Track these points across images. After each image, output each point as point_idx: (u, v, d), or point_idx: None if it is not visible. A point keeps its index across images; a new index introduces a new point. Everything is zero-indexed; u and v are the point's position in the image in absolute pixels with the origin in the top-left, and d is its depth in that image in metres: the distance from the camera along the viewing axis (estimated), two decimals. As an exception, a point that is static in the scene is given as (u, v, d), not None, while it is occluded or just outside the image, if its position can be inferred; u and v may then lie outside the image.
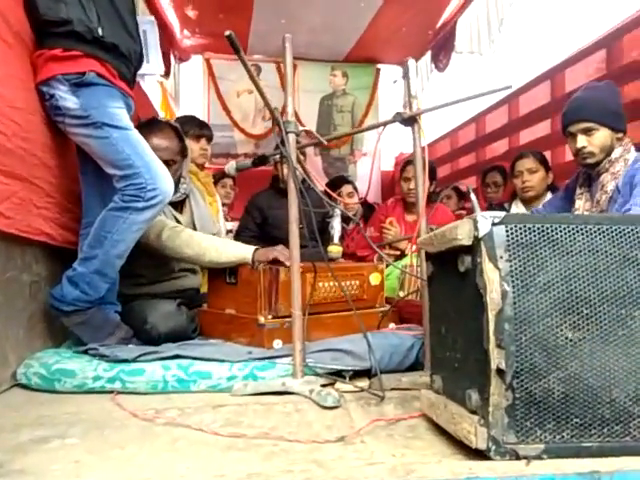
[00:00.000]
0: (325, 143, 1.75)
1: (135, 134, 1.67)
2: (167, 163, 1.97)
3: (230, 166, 2.04)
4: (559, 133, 2.15)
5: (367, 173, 5.61)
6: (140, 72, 1.97)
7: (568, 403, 0.98)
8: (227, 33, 1.29)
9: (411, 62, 1.65)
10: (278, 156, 1.64)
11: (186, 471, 0.96)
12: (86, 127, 1.62)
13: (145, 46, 2.07)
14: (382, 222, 3.11)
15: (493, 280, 0.98)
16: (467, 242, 1.03)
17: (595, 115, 1.93)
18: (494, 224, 1.01)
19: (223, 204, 3.75)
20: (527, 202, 2.82)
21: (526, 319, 0.98)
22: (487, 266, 0.99)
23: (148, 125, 2.03)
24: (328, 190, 1.77)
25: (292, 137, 1.55)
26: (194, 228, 2.16)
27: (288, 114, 1.55)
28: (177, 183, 2.06)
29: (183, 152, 2.11)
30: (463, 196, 3.74)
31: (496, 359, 0.96)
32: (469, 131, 4.57)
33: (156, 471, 0.96)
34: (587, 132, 1.94)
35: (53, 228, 1.70)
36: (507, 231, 1.01)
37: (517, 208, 2.87)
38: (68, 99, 1.61)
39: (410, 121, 1.61)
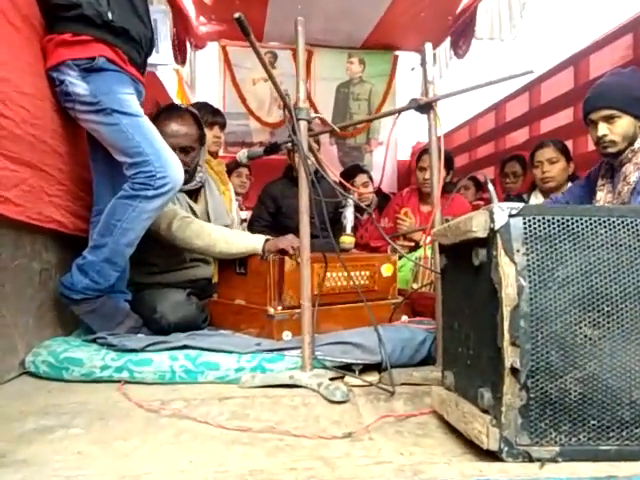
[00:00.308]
0: (338, 131, 1.71)
1: (145, 121, 1.65)
2: (185, 150, 1.98)
3: (242, 154, 2.01)
4: (581, 122, 2.07)
5: (383, 162, 5.54)
6: (150, 61, 1.94)
7: (585, 404, 0.93)
8: (236, 15, 1.25)
9: (428, 47, 1.59)
10: (290, 144, 1.60)
11: (188, 465, 0.94)
12: (96, 114, 1.60)
13: (155, 36, 2.04)
14: (397, 212, 3.06)
15: (509, 275, 0.94)
16: (482, 234, 0.99)
17: (617, 102, 1.86)
18: (511, 215, 0.97)
19: (237, 193, 3.73)
20: (547, 193, 2.74)
21: (543, 316, 0.94)
22: (503, 260, 0.95)
23: (168, 111, 2.02)
24: (341, 180, 1.73)
25: (303, 124, 1.51)
26: (208, 218, 2.14)
27: (300, 100, 1.51)
28: (194, 171, 2.05)
29: (202, 140, 2.09)
30: (481, 186, 3.66)
31: (510, 357, 0.92)
32: (488, 119, 4.47)
33: (157, 465, 0.94)
34: (609, 120, 1.87)
35: (65, 216, 1.69)
36: (525, 223, 0.96)
37: (536, 199, 2.79)
38: (78, 85, 1.59)
39: (426, 108, 1.55)
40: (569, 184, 2.71)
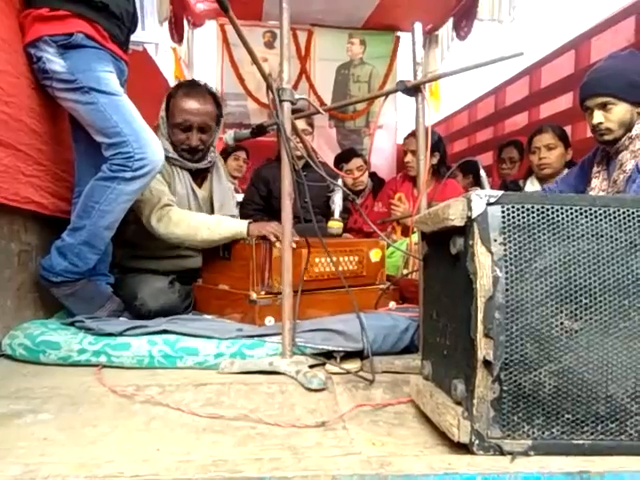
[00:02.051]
0: (323, 113, 1.67)
1: (124, 100, 1.60)
2: (203, 129, 1.96)
3: (228, 136, 1.96)
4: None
5: (382, 146, 5.47)
6: (137, 40, 1.89)
7: (560, 398, 0.91)
8: (214, -9, 1.21)
9: (417, 27, 1.54)
10: (276, 126, 1.56)
11: (154, 454, 0.93)
12: (73, 92, 1.56)
13: (141, 12, 1.99)
14: (390, 197, 3.02)
15: (484, 265, 0.91)
16: (459, 223, 0.96)
17: (612, 89, 1.79)
18: (489, 204, 0.94)
19: (234, 177, 3.69)
20: (543, 180, 2.69)
21: (519, 307, 0.91)
22: (479, 249, 0.92)
23: (187, 87, 1.99)
24: (328, 165, 1.70)
25: (287, 106, 1.47)
26: (211, 206, 2.10)
27: (283, 81, 1.47)
28: (206, 152, 2.02)
29: (218, 120, 2.06)
30: (475, 172, 3.60)
31: (483, 349, 0.90)
32: (488, 104, 4.39)
33: (123, 452, 0.93)
34: (604, 107, 1.81)
35: (44, 197, 1.66)
36: (503, 212, 0.93)
37: (532, 186, 2.75)
38: (55, 62, 1.54)
39: (413, 91, 1.51)
40: (566, 170, 2.66)
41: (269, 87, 1.46)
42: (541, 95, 3.57)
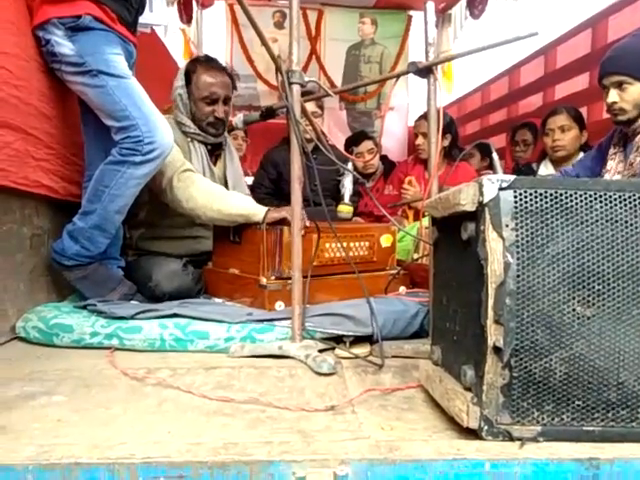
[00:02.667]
0: (332, 95, 1.65)
1: (133, 83, 1.59)
2: (226, 101, 2.01)
3: (238, 119, 1.96)
4: (597, 87, 1.97)
5: (393, 129, 5.41)
6: (144, 22, 1.87)
7: (570, 384, 0.91)
8: (222, -28, 1.18)
9: (430, 5, 1.51)
10: (285, 109, 1.54)
11: (165, 436, 0.94)
12: (82, 75, 1.55)
13: (149, -7, 1.97)
14: (401, 180, 3.00)
15: (496, 250, 0.90)
16: (470, 208, 0.94)
17: (628, 68, 1.76)
18: (501, 189, 0.92)
19: None
20: (557, 163, 2.65)
21: (530, 294, 0.90)
22: (490, 235, 0.91)
23: (206, 62, 2.02)
24: (338, 149, 1.69)
25: (296, 88, 1.45)
26: (225, 185, 2.11)
27: (293, 63, 1.44)
28: (225, 124, 2.04)
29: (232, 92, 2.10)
30: (487, 154, 3.56)
31: (493, 336, 0.89)
32: (502, 85, 4.31)
33: (135, 435, 0.94)
34: (620, 86, 1.78)
35: (54, 180, 1.66)
36: (515, 197, 0.92)
37: (546, 169, 2.71)
38: (64, 45, 1.53)
39: (425, 72, 1.48)
40: (581, 153, 2.62)
41: (278, 69, 1.44)
42: (556, 75, 3.50)
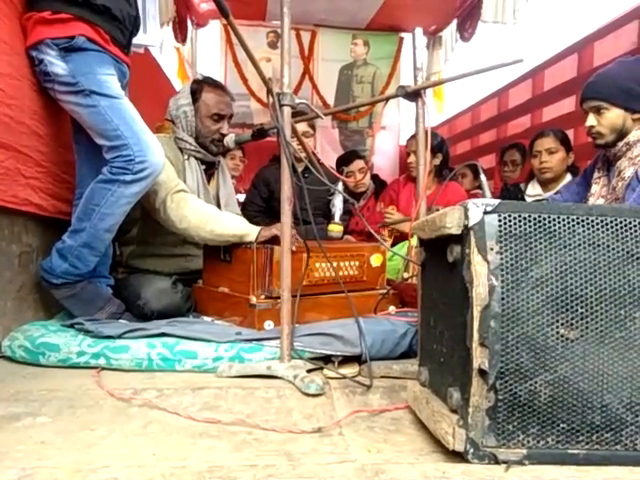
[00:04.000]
0: (322, 117, 1.67)
1: (125, 103, 1.60)
2: (230, 118, 2.08)
3: (229, 139, 1.98)
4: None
5: (385, 147, 5.47)
6: (138, 42, 1.90)
7: (555, 407, 0.91)
8: (214, -4, 1.21)
9: (418, 32, 1.54)
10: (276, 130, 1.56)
11: (149, 459, 0.93)
12: (75, 95, 1.56)
13: (143, 15, 2.00)
14: (392, 199, 3.03)
15: (480, 274, 0.91)
16: (456, 231, 0.96)
17: (603, 93, 1.81)
18: (486, 212, 0.94)
19: (232, 177, 3.69)
20: (544, 184, 2.69)
21: (514, 316, 0.91)
22: (475, 258, 0.92)
23: (211, 82, 2.09)
24: (328, 168, 1.71)
25: (287, 110, 1.47)
26: (218, 204, 2.13)
27: (284, 85, 1.47)
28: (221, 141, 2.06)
29: None
30: (478, 174, 3.60)
31: (479, 358, 0.90)
32: (491, 106, 4.39)
33: (119, 457, 0.93)
34: (598, 111, 1.84)
35: (43, 198, 1.66)
36: (500, 221, 0.93)
37: (533, 189, 2.74)
38: (57, 65, 1.55)
39: (414, 96, 1.51)
40: (568, 175, 2.66)
41: (269, 91, 1.46)
42: (544, 98, 3.57)
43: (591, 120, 1.85)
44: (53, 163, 1.71)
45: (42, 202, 1.65)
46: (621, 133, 1.80)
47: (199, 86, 2.03)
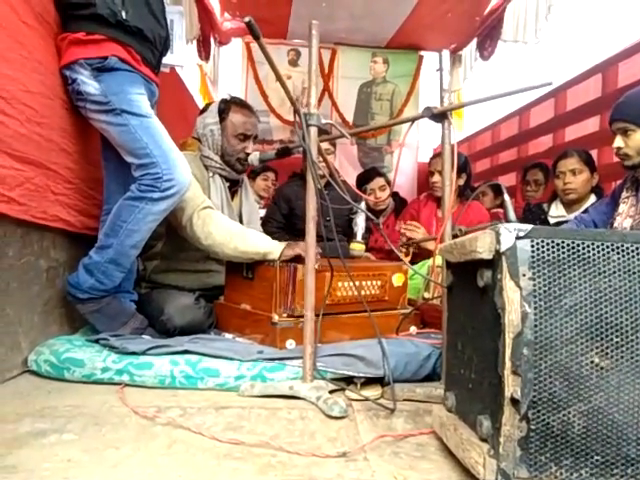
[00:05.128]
0: (348, 137, 1.67)
1: (155, 122, 1.63)
2: (255, 137, 2.12)
3: (254, 157, 2.00)
4: (608, 131, 2.01)
5: (403, 165, 5.47)
6: (165, 62, 1.94)
7: (589, 438, 0.89)
8: (246, 19, 1.23)
9: (445, 54, 1.55)
10: (301, 149, 1.57)
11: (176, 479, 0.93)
12: (106, 114, 1.60)
13: (171, 36, 2.04)
14: (413, 217, 3.01)
15: (513, 300, 0.90)
16: (487, 256, 0.95)
17: (631, 115, 1.82)
18: (518, 237, 0.92)
19: (261, 197, 3.75)
20: (568, 204, 2.65)
21: (548, 344, 0.89)
22: (507, 284, 0.91)
23: (239, 102, 2.13)
24: (350, 186, 1.71)
25: (314, 130, 1.48)
26: (240, 221, 2.16)
27: (311, 106, 1.48)
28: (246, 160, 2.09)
29: None
30: (500, 193, 3.58)
31: (511, 387, 0.88)
32: (512, 124, 4.37)
33: (144, 477, 0.93)
34: (625, 132, 1.84)
35: (71, 214, 1.69)
36: (532, 246, 0.92)
37: (557, 210, 2.71)
38: (89, 84, 1.58)
39: (440, 117, 1.51)
40: (592, 196, 2.62)
41: (297, 112, 1.47)
42: (567, 118, 3.54)
43: (618, 142, 1.85)
44: (81, 180, 1.74)
45: (70, 218, 1.67)
46: None
47: (227, 106, 2.07)
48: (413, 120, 1.57)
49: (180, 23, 2.12)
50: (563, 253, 0.92)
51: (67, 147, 1.65)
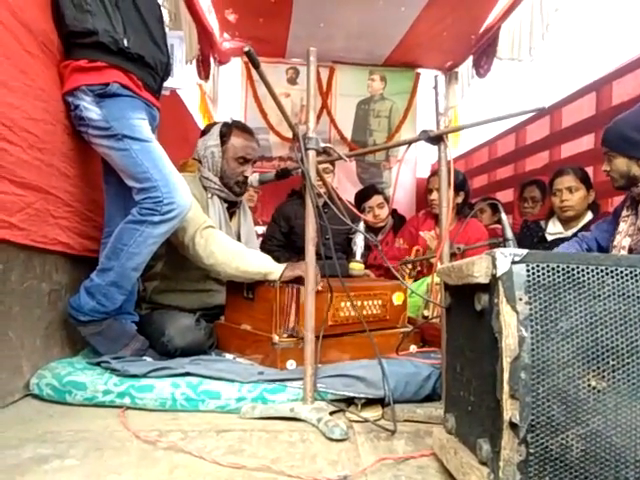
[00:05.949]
0: (347, 160, 1.70)
1: (155, 146, 1.66)
2: (254, 162, 2.15)
3: (253, 178, 2.02)
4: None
5: (402, 181, 5.52)
6: (166, 85, 1.98)
7: (588, 462, 0.89)
8: (245, 49, 1.26)
9: (440, 79, 1.58)
10: (300, 171, 1.60)
11: (177, 507, 0.93)
12: (108, 139, 1.62)
13: (171, 60, 2.09)
14: (412, 234, 3.03)
15: (510, 324, 0.91)
16: (484, 280, 0.96)
17: (608, 142, 1.93)
18: (514, 262, 0.94)
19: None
20: (565, 222, 2.67)
21: (545, 368, 0.90)
22: (504, 308, 0.92)
23: (241, 126, 2.16)
24: (349, 206, 1.73)
25: (312, 154, 1.51)
26: (239, 240, 2.18)
27: (309, 129, 1.51)
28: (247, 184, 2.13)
29: None
30: (498, 210, 3.61)
31: (509, 411, 0.89)
32: (508, 141, 4.41)
33: (147, 504, 0.94)
34: (609, 157, 1.94)
35: (71, 237, 1.70)
36: (528, 271, 0.94)
37: (554, 227, 2.73)
38: (91, 110, 1.61)
39: (436, 139, 1.53)
40: (589, 213, 2.65)
41: (295, 135, 1.50)
42: (562, 135, 3.58)
43: (605, 165, 1.96)
44: (80, 203, 1.76)
45: (70, 241, 1.69)
46: (629, 178, 1.88)
47: (228, 129, 2.10)
48: (410, 143, 1.60)
49: (180, 48, 2.16)
50: (558, 277, 0.93)
51: (67, 171, 1.67)
